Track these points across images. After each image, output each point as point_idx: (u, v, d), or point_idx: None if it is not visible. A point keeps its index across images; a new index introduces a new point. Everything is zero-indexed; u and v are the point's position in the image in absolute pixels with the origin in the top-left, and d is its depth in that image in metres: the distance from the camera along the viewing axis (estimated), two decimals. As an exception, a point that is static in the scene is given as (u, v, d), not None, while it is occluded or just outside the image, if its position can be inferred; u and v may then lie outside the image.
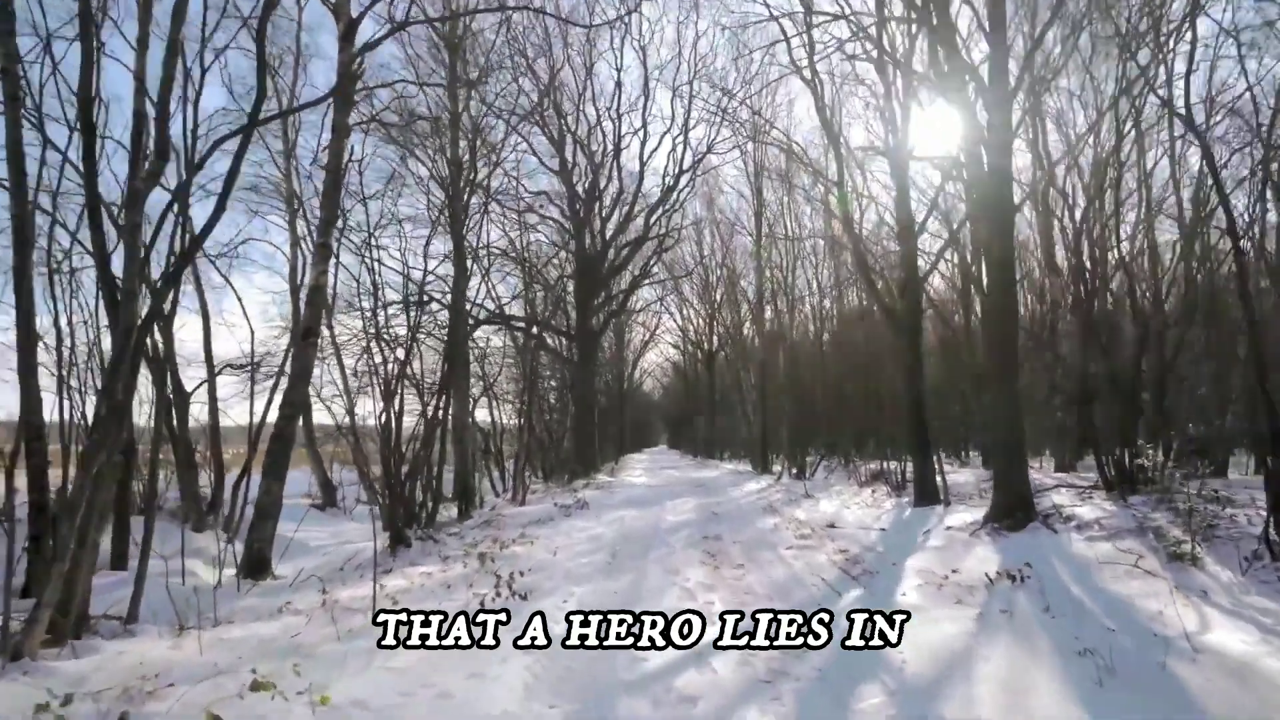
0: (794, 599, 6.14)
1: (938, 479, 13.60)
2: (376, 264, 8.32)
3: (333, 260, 8.79)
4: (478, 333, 20.15)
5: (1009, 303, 10.29)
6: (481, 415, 20.73)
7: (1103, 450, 11.13)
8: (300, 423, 11.41)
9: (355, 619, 5.20)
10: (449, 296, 12.11)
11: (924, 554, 8.29)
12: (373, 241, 8.32)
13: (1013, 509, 9.80)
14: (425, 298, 8.54)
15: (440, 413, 8.72)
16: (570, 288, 22.04)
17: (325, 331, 9.49)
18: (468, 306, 19.22)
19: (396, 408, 8.66)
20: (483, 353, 19.10)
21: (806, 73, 14.81)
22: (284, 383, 8.57)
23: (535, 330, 18.60)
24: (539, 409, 22.97)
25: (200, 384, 9.84)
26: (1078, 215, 11.61)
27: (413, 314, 8.79)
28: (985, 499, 13.38)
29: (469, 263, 16.49)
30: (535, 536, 9.24)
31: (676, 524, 11.25)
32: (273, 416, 8.71)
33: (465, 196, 11.54)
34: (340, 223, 8.88)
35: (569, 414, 22.56)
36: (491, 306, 19.93)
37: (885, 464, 20.12)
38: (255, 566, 7.72)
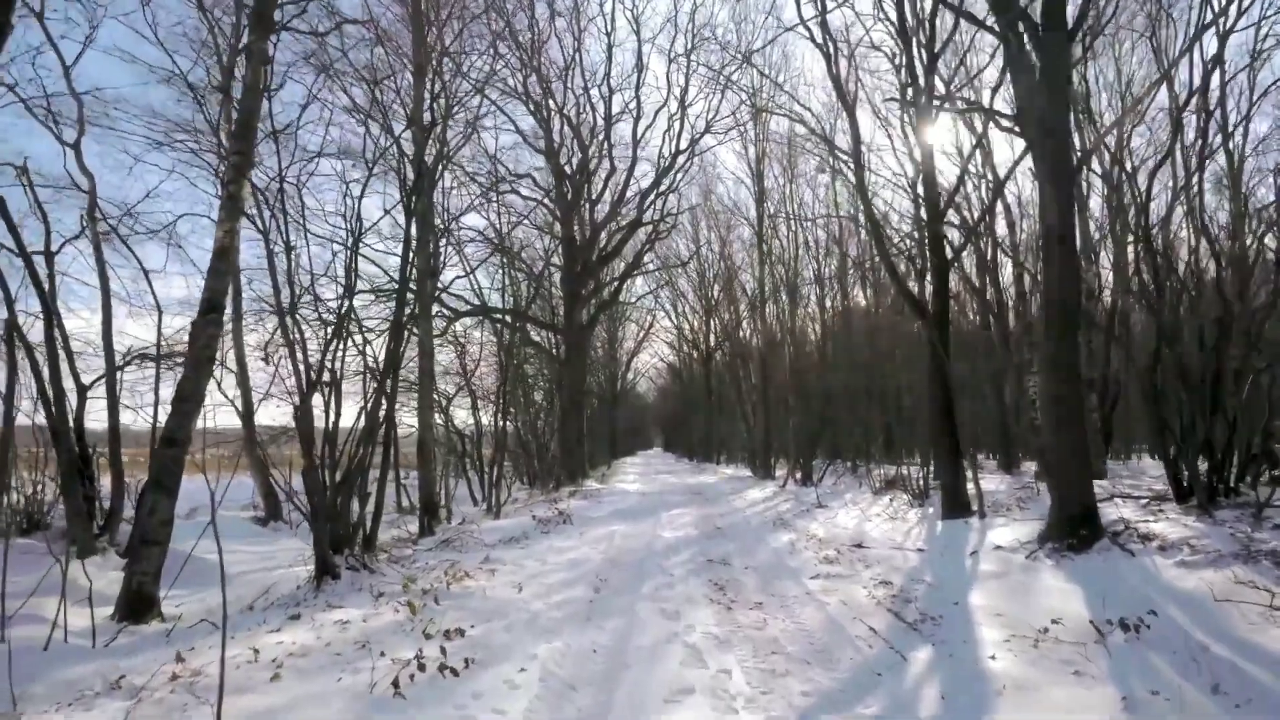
0: (842, 665, 4.45)
1: (969, 487, 12.04)
2: (284, 218, 6.58)
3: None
4: (460, 328, 18.51)
5: (1070, 279, 8.65)
6: (464, 416, 19.03)
7: (1182, 455, 9.48)
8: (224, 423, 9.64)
9: (201, 714, 3.48)
10: (428, 285, 10.42)
11: (985, 587, 6.63)
12: (283, 189, 6.60)
13: (1075, 524, 8.20)
14: (355, 274, 6.81)
15: (382, 410, 6.99)
16: (557, 278, 20.33)
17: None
18: (443, 295, 17.50)
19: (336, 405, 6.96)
20: (461, 347, 17.41)
21: (818, 34, 13.20)
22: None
23: (513, 321, 16.86)
24: (527, 410, 21.27)
25: (99, 378, 8.11)
26: (1141, 181, 9.97)
27: (351, 292, 7.09)
28: (1024, 510, 11.79)
29: (443, 245, 14.79)
30: (501, 562, 7.52)
31: (674, 542, 9.55)
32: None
33: (425, 155, 9.82)
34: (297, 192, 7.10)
35: (557, 415, 20.83)
36: (472, 298, 18.24)
37: (901, 469, 18.54)
38: (136, 606, 5.98)
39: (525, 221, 18.39)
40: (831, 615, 5.64)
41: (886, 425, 24.07)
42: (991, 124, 12.58)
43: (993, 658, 4.43)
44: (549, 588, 6.46)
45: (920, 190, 13.57)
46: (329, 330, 6.35)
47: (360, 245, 6.87)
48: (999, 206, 18.70)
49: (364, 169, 7.03)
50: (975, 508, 11.71)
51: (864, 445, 24.37)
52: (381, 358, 6.84)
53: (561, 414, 19.05)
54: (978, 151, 16.36)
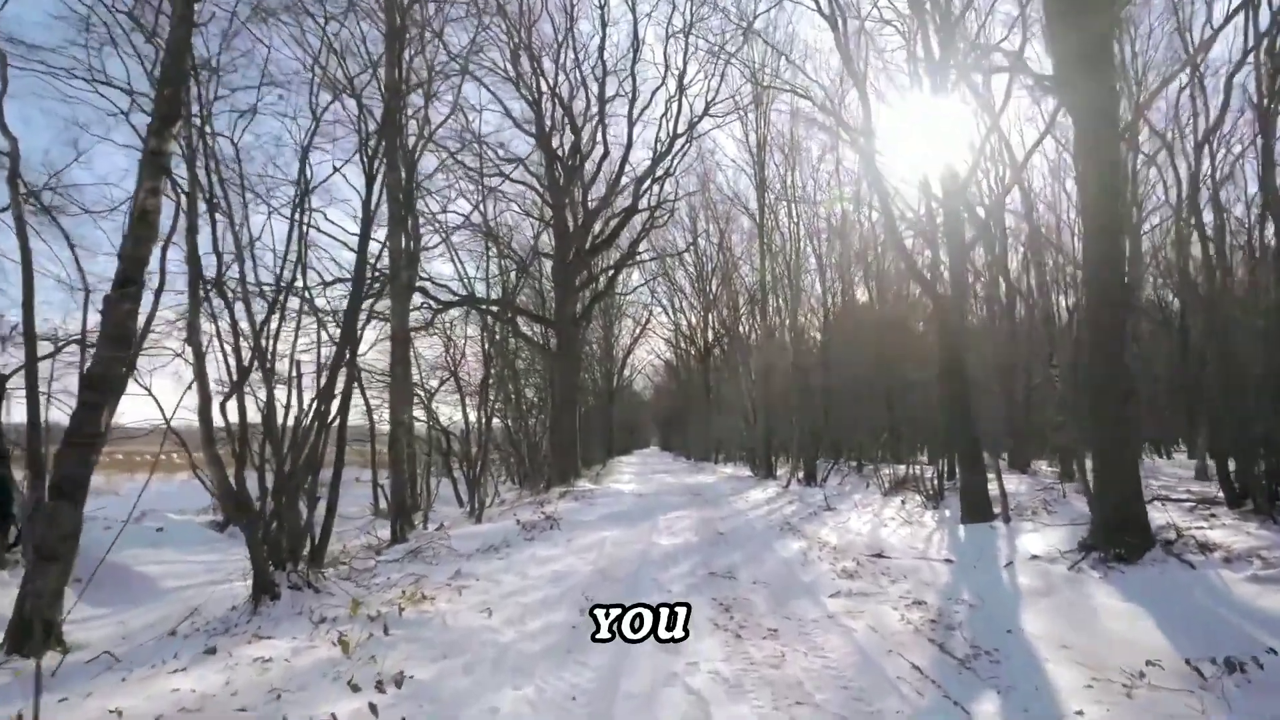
0: (884, 717, 3.50)
1: (990, 489, 11.11)
2: (212, 169, 5.59)
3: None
4: (448, 320, 17.49)
5: (1113, 256, 7.72)
6: (451, 413, 18.02)
7: (1236, 455, 8.57)
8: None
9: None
10: (405, 272, 9.38)
11: (1035, 608, 5.69)
12: (204, 135, 5.61)
13: (1122, 531, 7.31)
14: (304, 242, 5.78)
15: (330, 403, 6.01)
16: (548, 269, 19.33)
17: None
18: (428, 285, 16.50)
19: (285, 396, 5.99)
20: (447, 339, 16.39)
21: (825, 3, 12.25)
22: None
23: (500, 311, 15.86)
24: (518, 407, 20.28)
25: (18, 369, 7.13)
26: (1188, 148, 9.00)
27: (291, 267, 6.10)
28: (1052, 513, 10.87)
29: (424, 229, 13.80)
30: (473, 577, 6.55)
31: (672, 551, 8.59)
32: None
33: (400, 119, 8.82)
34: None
35: (549, 412, 19.83)
36: (460, 289, 17.22)
37: (911, 468, 17.59)
38: (28, 635, 4.98)
39: (514, 207, 17.43)
40: (861, 646, 4.68)
41: (892, 423, 23.13)
42: (1004, 108, 11.63)
43: (1080, 714, 3.47)
44: (525, 610, 5.49)
45: (936, 167, 12.61)
46: (279, 310, 5.35)
47: (308, 206, 5.88)
48: (1006, 198, 17.81)
49: (317, 119, 6.04)
50: (997, 511, 10.81)
51: (868, 444, 23.45)
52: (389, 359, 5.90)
53: (553, 411, 18.07)
54: (992, 136, 15.43)
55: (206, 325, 8.57)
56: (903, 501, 13.45)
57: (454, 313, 16.98)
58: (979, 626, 5.08)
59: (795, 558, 8.04)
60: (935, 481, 13.80)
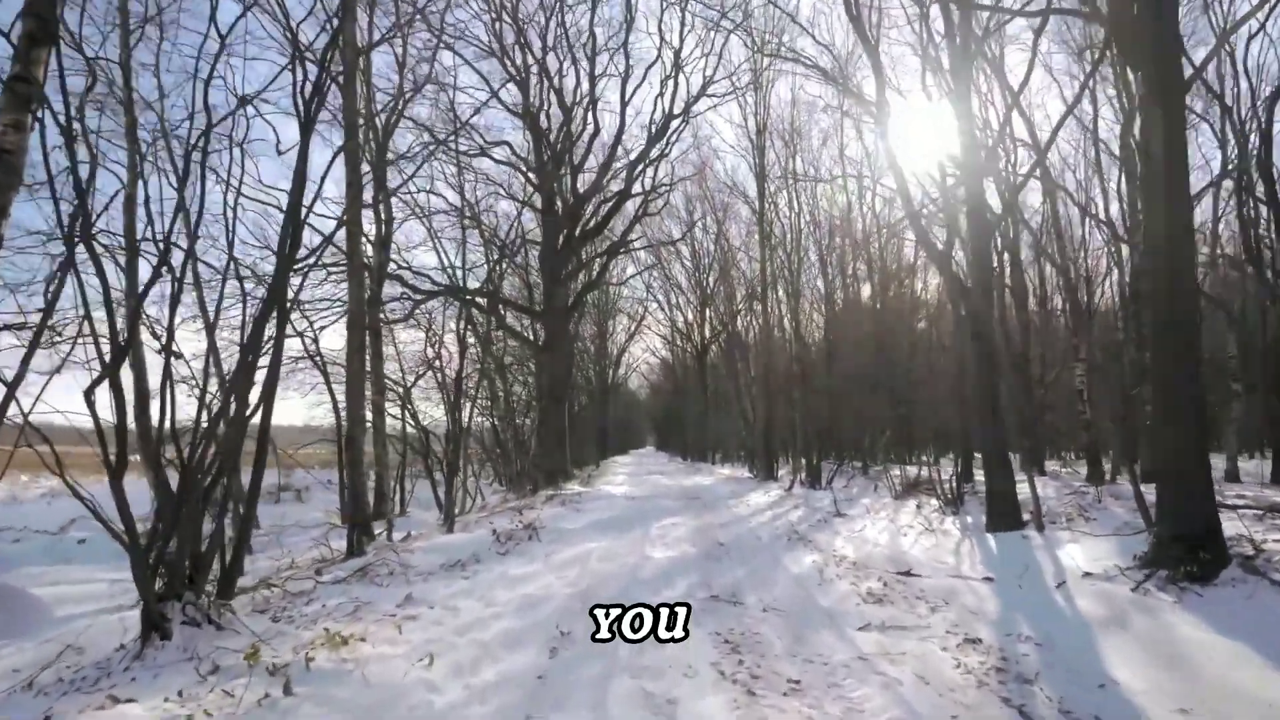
0: None
1: (1017, 494, 10.05)
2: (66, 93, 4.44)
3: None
4: (429, 313, 16.31)
5: (1183, 222, 6.61)
6: (432, 411, 16.84)
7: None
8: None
9: None
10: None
11: (1117, 646, 4.61)
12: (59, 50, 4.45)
13: (1193, 546, 6.25)
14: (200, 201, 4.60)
15: (247, 391, 4.87)
16: (535, 259, 18.18)
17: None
18: (405, 274, 15.37)
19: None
20: (427, 329, 15.23)
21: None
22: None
23: (472, 297, 14.70)
24: (506, 405, 19.14)
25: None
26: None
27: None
28: (1089, 520, 9.78)
29: (396, 211, 12.67)
30: (426, 603, 5.41)
31: (667, 566, 7.46)
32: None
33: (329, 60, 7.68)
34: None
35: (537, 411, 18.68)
36: (442, 278, 16.09)
37: (923, 469, 16.52)
38: None
39: (500, 191, 16.24)
40: (913, 707, 3.56)
41: (899, 420, 22.07)
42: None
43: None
44: (481, 652, 4.36)
45: (955, 143, 11.52)
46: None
47: (206, 147, 4.71)
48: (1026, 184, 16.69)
49: (222, 36, 4.87)
50: (1026, 518, 9.75)
51: (874, 443, 22.38)
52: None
53: (540, 408, 16.92)
54: (1014, 113, 14.32)
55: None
56: (918, 506, 12.37)
57: (436, 305, 15.87)
58: (1058, 677, 3.97)
59: (809, 575, 6.93)
60: (954, 484, 12.73)
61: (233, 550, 4.95)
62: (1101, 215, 14.90)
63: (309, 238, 7.43)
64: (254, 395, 5.18)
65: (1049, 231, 15.38)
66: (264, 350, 5.18)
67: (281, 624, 4.75)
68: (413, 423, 15.27)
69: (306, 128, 5.61)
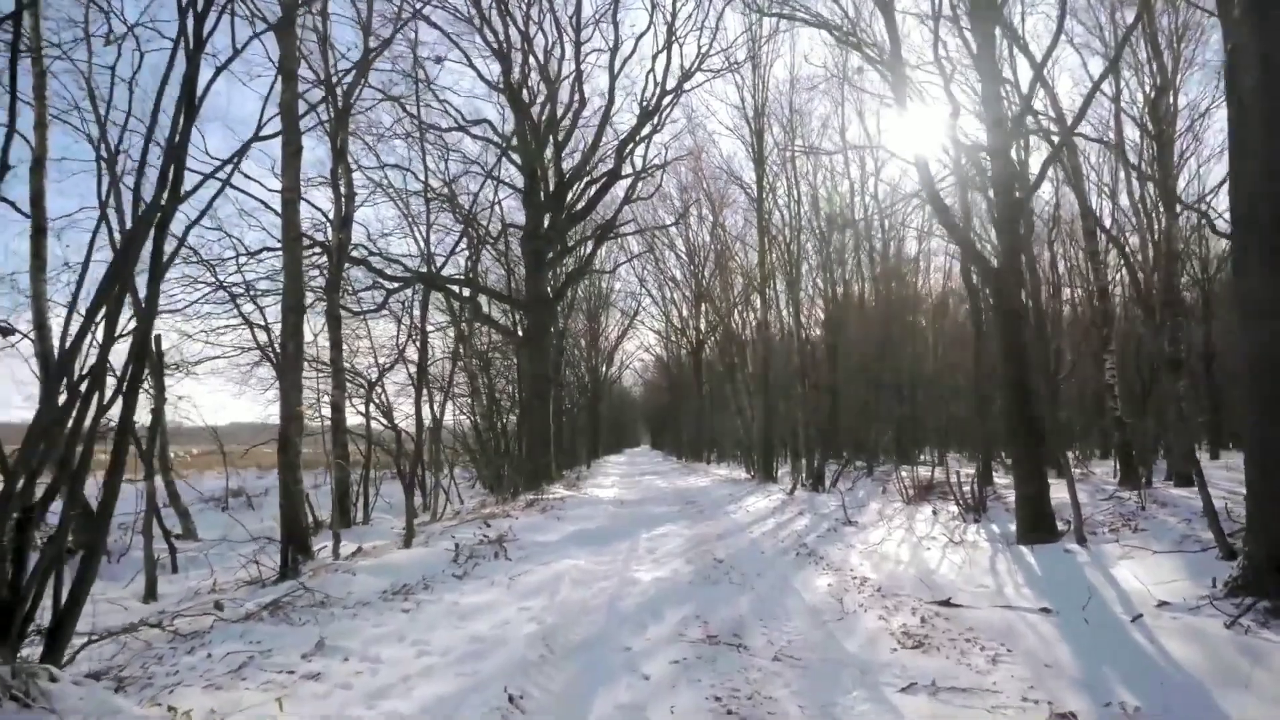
0: None
1: (1050, 501, 8.89)
2: None
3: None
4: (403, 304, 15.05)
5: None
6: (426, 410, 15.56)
7: None
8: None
9: None
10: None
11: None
12: None
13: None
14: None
15: (96, 387, 3.63)
16: (517, 246, 16.88)
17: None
18: (373, 258, 14.13)
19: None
20: (397, 320, 13.99)
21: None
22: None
23: (454, 289, 13.45)
24: (489, 402, 17.90)
25: None
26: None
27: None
28: (1136, 531, 8.62)
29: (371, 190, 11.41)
30: (338, 654, 4.18)
31: (654, 593, 6.23)
32: None
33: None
34: None
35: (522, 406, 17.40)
36: (415, 263, 14.82)
37: (935, 470, 15.35)
38: None
39: (477, 168, 14.95)
40: None
41: (904, 417, 20.92)
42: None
43: None
44: (389, 738, 3.12)
45: (983, 110, 10.33)
46: None
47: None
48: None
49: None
50: (1062, 527, 8.61)
51: (878, 442, 21.25)
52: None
53: (522, 405, 15.67)
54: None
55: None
56: (934, 512, 11.19)
57: (410, 294, 14.62)
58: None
59: (826, 604, 5.72)
60: (974, 487, 11.52)
61: (69, 592, 3.70)
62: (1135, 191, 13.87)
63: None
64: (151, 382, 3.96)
65: (1073, 212, 14.22)
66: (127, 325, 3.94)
67: (124, 693, 3.51)
68: (384, 420, 14.06)
69: (195, 48, 4.35)
